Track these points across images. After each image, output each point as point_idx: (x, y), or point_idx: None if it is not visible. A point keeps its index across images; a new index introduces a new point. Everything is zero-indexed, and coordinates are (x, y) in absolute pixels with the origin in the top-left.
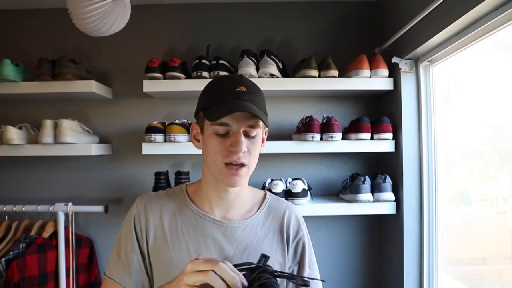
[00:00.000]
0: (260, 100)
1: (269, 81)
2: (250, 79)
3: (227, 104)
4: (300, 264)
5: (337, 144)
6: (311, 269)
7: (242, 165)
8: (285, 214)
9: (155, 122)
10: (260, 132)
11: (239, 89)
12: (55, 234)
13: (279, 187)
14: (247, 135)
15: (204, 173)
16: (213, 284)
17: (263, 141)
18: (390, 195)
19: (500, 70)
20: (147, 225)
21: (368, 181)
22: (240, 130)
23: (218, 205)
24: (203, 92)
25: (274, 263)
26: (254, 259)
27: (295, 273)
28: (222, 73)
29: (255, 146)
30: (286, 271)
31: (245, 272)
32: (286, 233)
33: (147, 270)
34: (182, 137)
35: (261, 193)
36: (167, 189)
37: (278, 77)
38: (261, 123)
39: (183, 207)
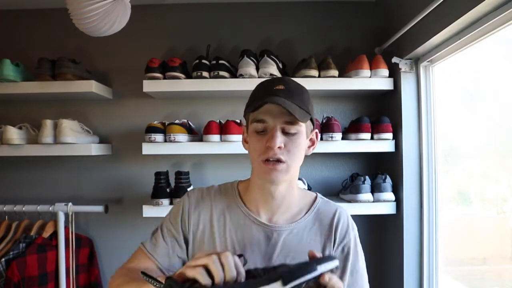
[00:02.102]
0: (299, 97)
1: None
2: (250, 79)
3: (262, 99)
4: (342, 270)
5: (337, 144)
6: (354, 278)
7: (279, 160)
8: (334, 218)
9: (155, 122)
10: (301, 130)
11: (277, 87)
12: (55, 234)
13: None
14: (285, 132)
15: (252, 174)
16: (200, 279)
17: (313, 143)
18: (390, 195)
19: (500, 70)
20: (197, 218)
21: (368, 181)
22: (276, 126)
23: (264, 208)
24: (250, 95)
25: None
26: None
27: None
28: (222, 73)
29: (295, 144)
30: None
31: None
32: (334, 237)
33: (180, 251)
34: (182, 137)
35: (311, 195)
36: (219, 185)
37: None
38: (301, 121)
39: (233, 206)
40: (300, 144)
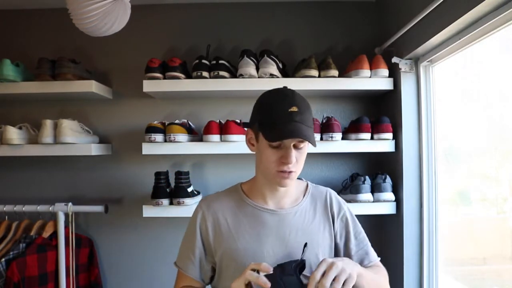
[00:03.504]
0: (308, 117)
1: (269, 81)
2: (250, 79)
3: (281, 126)
4: (347, 237)
5: (337, 144)
6: (358, 240)
7: (291, 171)
8: (327, 197)
9: (155, 122)
10: (307, 143)
11: (291, 110)
12: (55, 234)
13: None
14: (296, 147)
15: (258, 175)
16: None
17: None
18: (390, 195)
19: (500, 69)
20: (213, 222)
21: (368, 181)
22: (290, 145)
23: (271, 198)
24: (259, 105)
25: (324, 240)
26: (306, 239)
27: (342, 245)
28: (222, 73)
29: (302, 156)
30: (333, 246)
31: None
32: (331, 213)
33: (208, 260)
34: (182, 137)
35: (303, 183)
36: (223, 190)
37: (278, 77)
38: None
39: (242, 203)
40: (305, 153)
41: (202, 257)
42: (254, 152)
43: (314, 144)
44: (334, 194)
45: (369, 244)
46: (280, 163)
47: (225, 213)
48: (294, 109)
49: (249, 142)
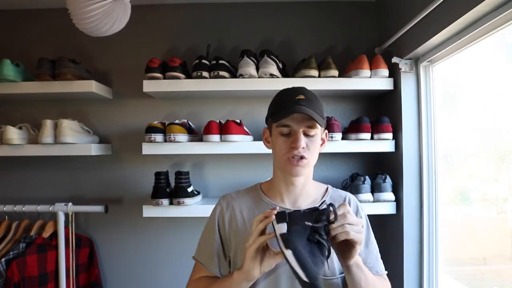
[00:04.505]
0: (317, 105)
1: (269, 81)
2: (250, 79)
3: (288, 108)
4: None
5: (337, 144)
6: (368, 248)
7: (302, 157)
8: (345, 199)
9: (155, 122)
10: (318, 132)
11: (298, 97)
12: (55, 234)
13: None
14: (306, 134)
15: (275, 171)
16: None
17: (323, 142)
18: (390, 195)
19: (500, 70)
20: (230, 217)
21: (368, 181)
22: (299, 130)
23: (287, 196)
24: (271, 101)
25: None
26: None
27: None
28: (222, 73)
29: (314, 144)
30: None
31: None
32: None
33: (226, 254)
34: (182, 137)
35: (324, 186)
36: (243, 189)
37: (278, 77)
38: (318, 125)
39: (259, 201)
40: (317, 143)
41: (220, 252)
42: (256, 152)
43: (321, 124)
44: (353, 198)
45: (378, 256)
46: (290, 149)
47: (242, 209)
48: (301, 97)
49: (265, 141)
